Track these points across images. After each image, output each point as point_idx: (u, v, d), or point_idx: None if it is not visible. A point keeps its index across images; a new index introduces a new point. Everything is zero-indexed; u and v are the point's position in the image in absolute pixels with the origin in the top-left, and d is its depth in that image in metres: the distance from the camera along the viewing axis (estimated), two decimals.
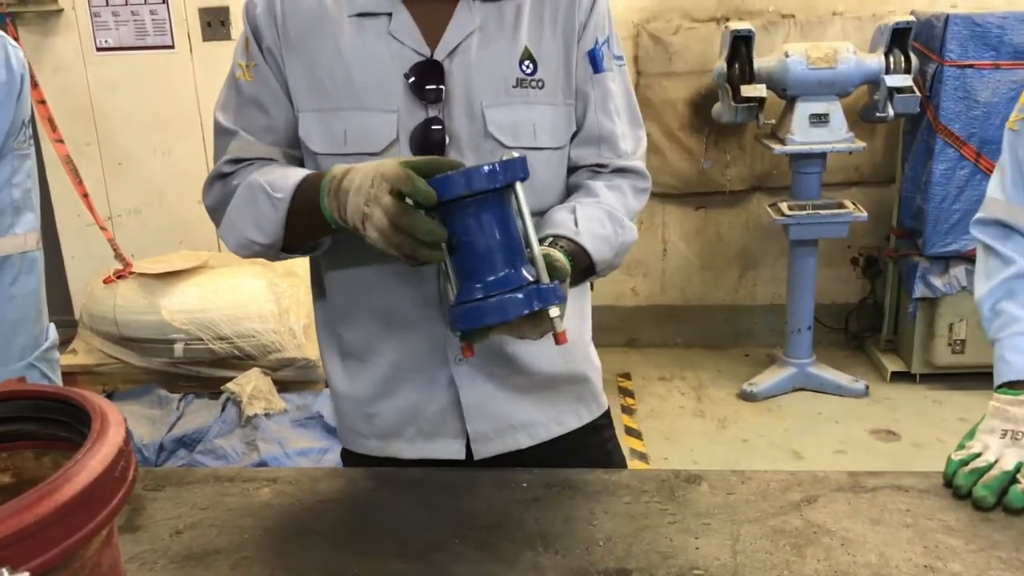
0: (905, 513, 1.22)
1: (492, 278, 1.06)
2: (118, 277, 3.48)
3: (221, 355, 3.40)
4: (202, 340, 3.38)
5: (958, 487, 1.24)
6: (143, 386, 3.50)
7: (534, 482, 1.32)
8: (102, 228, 3.53)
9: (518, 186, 1.07)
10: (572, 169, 1.39)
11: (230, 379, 3.39)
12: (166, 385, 3.50)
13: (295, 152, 1.34)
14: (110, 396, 3.47)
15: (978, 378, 3.98)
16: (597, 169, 1.38)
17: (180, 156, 4.27)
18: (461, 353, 1.14)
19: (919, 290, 3.95)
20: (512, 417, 1.39)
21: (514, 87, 1.29)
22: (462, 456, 1.38)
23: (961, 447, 1.31)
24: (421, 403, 1.37)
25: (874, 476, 1.32)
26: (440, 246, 1.07)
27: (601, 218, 1.30)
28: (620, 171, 1.38)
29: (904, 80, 3.69)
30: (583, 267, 1.26)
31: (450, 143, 1.27)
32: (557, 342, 1.08)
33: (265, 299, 3.41)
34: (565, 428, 1.44)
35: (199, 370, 3.47)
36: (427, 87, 1.26)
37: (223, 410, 3.34)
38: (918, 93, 3.71)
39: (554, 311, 1.06)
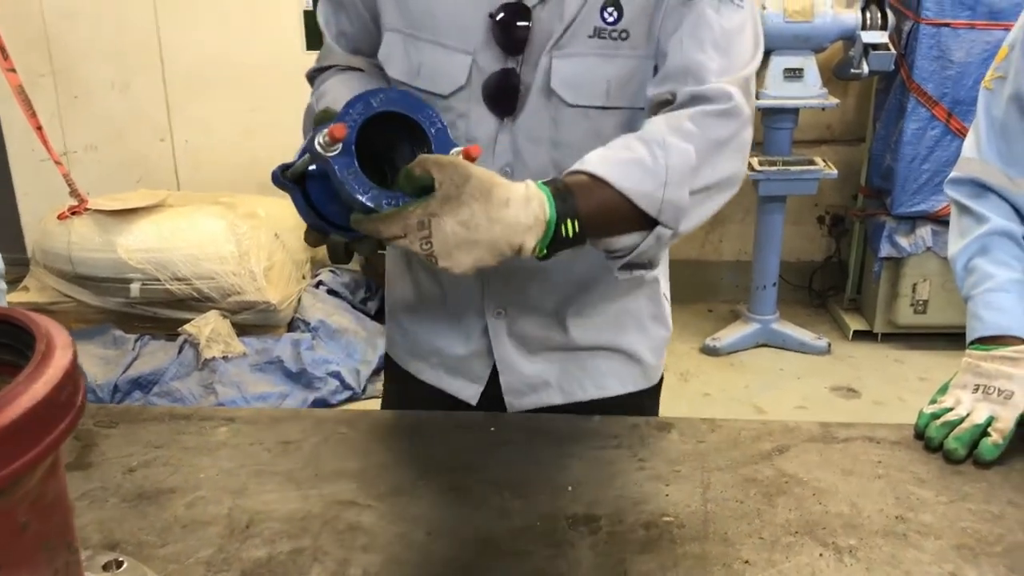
0: (877, 464, 1.21)
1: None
2: (73, 213, 3.38)
3: (179, 296, 3.33)
4: (159, 280, 3.30)
5: (930, 439, 1.23)
6: (98, 326, 3.43)
7: (503, 425, 1.29)
8: (57, 162, 3.42)
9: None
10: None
11: (188, 321, 3.32)
12: (122, 326, 3.42)
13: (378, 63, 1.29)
14: None
15: (939, 338, 4.03)
16: (665, 102, 1.14)
17: (139, 91, 4.13)
18: None
19: (885, 250, 3.95)
20: (546, 373, 1.36)
21: (590, 37, 1.16)
22: (474, 402, 1.36)
23: (933, 401, 1.30)
24: (452, 340, 1.36)
25: (846, 427, 1.31)
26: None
27: (627, 143, 1.08)
28: (690, 100, 1.11)
29: (880, 37, 3.66)
30: (610, 205, 1.04)
31: (522, 96, 1.20)
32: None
33: (225, 240, 3.34)
34: (604, 392, 1.39)
35: (156, 311, 3.40)
36: (514, 29, 1.16)
37: (180, 352, 3.29)
38: (893, 51, 3.69)
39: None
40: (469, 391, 1.37)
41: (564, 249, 1.03)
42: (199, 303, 3.36)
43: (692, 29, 1.13)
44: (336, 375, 3.23)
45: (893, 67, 3.74)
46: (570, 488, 1.14)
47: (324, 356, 3.29)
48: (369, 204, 0.98)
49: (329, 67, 1.33)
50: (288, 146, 1.15)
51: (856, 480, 1.17)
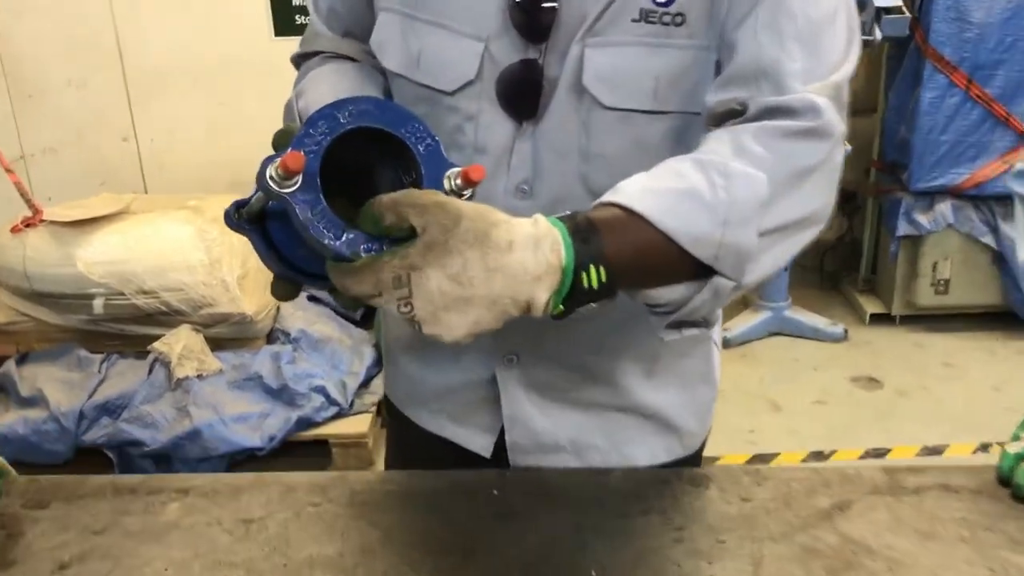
0: (959, 523, 1.02)
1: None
2: (27, 225, 3.11)
3: (146, 311, 3.08)
4: (124, 295, 3.04)
5: (1018, 487, 1.05)
6: (61, 345, 3.16)
7: (507, 487, 1.10)
8: (7, 171, 3.15)
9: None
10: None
11: (158, 337, 3.07)
12: (87, 344, 3.16)
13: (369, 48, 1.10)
14: (24, 357, 3.14)
15: (961, 319, 3.83)
16: (731, 113, 0.91)
17: (98, 89, 3.87)
18: None
19: (903, 228, 3.73)
20: (561, 435, 1.15)
21: (634, 21, 0.93)
22: (487, 453, 1.19)
23: (1016, 438, 1.11)
24: (456, 386, 1.17)
25: (915, 473, 1.11)
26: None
27: (677, 168, 0.86)
28: (765, 113, 0.89)
29: (893, 0, 3.42)
30: (650, 248, 0.81)
31: (546, 95, 0.98)
32: None
33: (193, 248, 3.07)
34: (628, 462, 1.17)
35: (123, 327, 3.14)
36: (538, 11, 0.95)
37: (150, 372, 3.03)
38: (907, 14, 3.44)
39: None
40: (480, 441, 1.20)
41: (587, 304, 0.80)
42: (169, 317, 3.10)
43: (769, 17, 0.90)
44: (321, 390, 2.99)
45: (907, 32, 3.49)
46: (594, 574, 0.96)
47: (307, 369, 3.04)
48: (343, 251, 0.76)
49: (315, 53, 1.15)
50: (259, 144, 0.95)
51: (937, 546, 0.98)
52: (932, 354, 3.74)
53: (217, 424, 2.85)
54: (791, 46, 0.89)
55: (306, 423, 2.93)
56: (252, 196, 0.86)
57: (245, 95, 3.75)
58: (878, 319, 4.00)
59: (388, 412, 1.35)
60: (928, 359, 3.70)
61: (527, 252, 0.75)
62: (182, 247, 3.09)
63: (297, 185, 0.76)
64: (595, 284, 0.78)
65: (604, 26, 0.95)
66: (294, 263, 0.87)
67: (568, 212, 0.81)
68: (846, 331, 3.87)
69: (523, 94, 0.98)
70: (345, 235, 0.77)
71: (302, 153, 0.77)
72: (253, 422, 2.90)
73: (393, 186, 0.86)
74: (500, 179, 1.02)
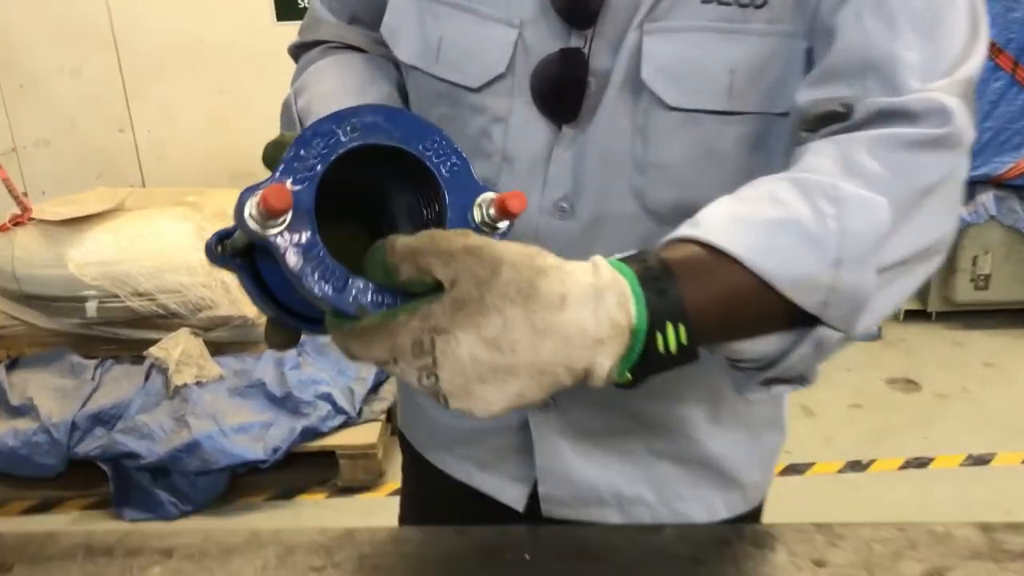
0: None
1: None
2: (15, 224, 2.95)
3: (142, 314, 2.92)
4: (118, 297, 2.89)
5: None
6: (53, 350, 3.02)
7: (540, 547, 0.93)
8: None
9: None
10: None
11: (155, 341, 2.91)
12: (80, 349, 3.02)
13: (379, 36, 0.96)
14: (14, 363, 2.99)
15: (1002, 316, 3.65)
16: (831, 117, 0.74)
17: (92, 77, 3.72)
18: None
19: None
20: (603, 486, 1.01)
21: (705, 1, 0.78)
22: (520, 506, 1.04)
23: None
24: (482, 430, 1.02)
25: (1015, 530, 0.94)
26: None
27: (772, 190, 0.69)
28: (877, 117, 0.72)
29: None
30: (741, 296, 0.65)
31: (592, 93, 0.82)
32: None
33: (192, 247, 2.91)
34: (681, 519, 1.01)
35: (117, 331, 2.99)
36: None
37: (147, 379, 2.88)
38: None
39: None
40: (511, 492, 1.04)
41: (663, 371, 0.62)
42: (166, 320, 2.95)
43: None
44: (327, 397, 2.82)
45: None
46: None
47: (312, 375, 2.87)
48: (347, 308, 0.61)
49: (317, 43, 1.02)
50: (261, 133, 0.84)
51: None
52: (972, 353, 3.55)
53: (217, 435, 2.70)
54: (906, 33, 0.72)
55: (312, 433, 2.77)
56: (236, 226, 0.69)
57: (246, 82, 3.60)
58: (913, 316, 3.80)
59: (405, 454, 1.21)
60: (968, 359, 3.51)
61: (585, 309, 0.58)
62: (180, 246, 2.93)
63: (285, 224, 0.60)
64: (673, 347, 0.61)
65: (667, 8, 0.78)
66: (292, 307, 0.70)
67: (634, 251, 0.64)
68: (880, 329, 3.69)
69: (564, 92, 0.83)
70: (349, 286, 0.60)
71: (287, 187, 0.60)
72: (255, 432, 2.75)
73: (410, 213, 0.70)
74: (534, 194, 0.87)
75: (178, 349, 2.88)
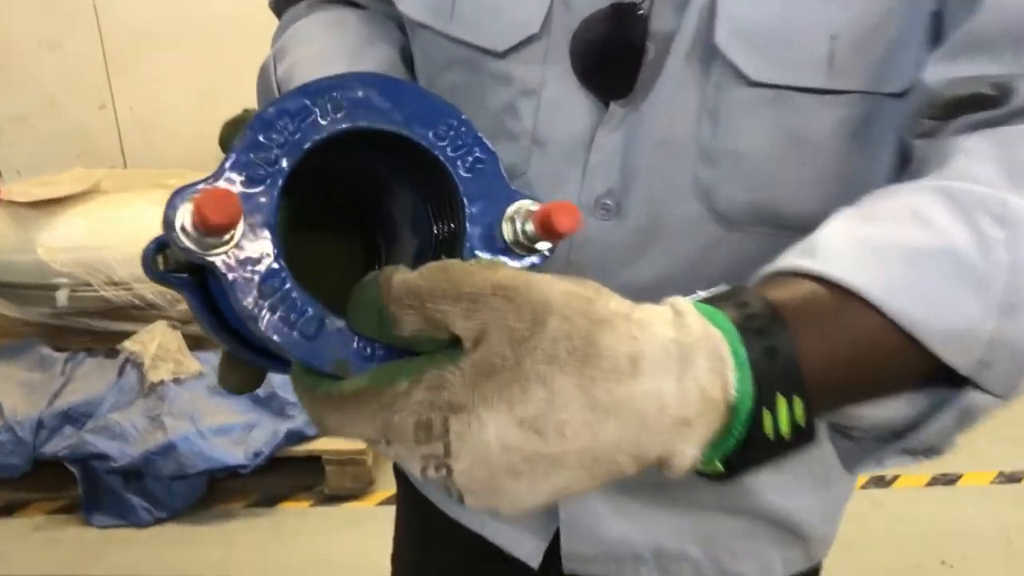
0: None
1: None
2: None
3: (117, 304, 2.74)
4: (90, 286, 2.71)
5: None
6: (22, 341, 2.84)
7: None
8: None
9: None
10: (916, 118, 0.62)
11: (130, 334, 2.74)
12: (51, 341, 2.84)
13: None
14: None
15: None
16: (977, 101, 0.56)
17: (72, 50, 3.54)
18: None
19: None
20: (641, 542, 0.86)
21: None
22: (535, 563, 0.90)
23: None
24: None
25: None
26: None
27: (912, 202, 0.51)
28: None
29: None
30: (871, 351, 0.47)
31: (650, 62, 0.66)
32: None
33: None
34: None
35: (90, 322, 2.82)
36: None
37: (120, 374, 2.70)
38: None
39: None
40: (527, 547, 0.89)
41: (768, 461, 0.43)
42: (142, 311, 2.77)
43: None
44: None
45: None
46: None
47: None
48: (315, 363, 0.43)
49: None
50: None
51: None
52: None
53: (195, 437, 2.52)
54: None
55: (296, 436, 2.58)
56: None
57: (236, 58, 3.35)
58: None
59: (401, 487, 1.06)
60: None
61: (666, 376, 0.39)
62: (158, 232, 2.73)
63: (233, 242, 0.41)
64: (785, 429, 0.42)
65: None
66: (252, 339, 0.50)
67: (725, 288, 0.44)
68: None
69: (613, 59, 0.66)
70: (325, 330, 0.42)
71: (236, 189, 0.42)
72: (236, 435, 2.57)
73: (415, 216, 0.52)
74: (570, 187, 0.70)
75: (155, 343, 2.70)
